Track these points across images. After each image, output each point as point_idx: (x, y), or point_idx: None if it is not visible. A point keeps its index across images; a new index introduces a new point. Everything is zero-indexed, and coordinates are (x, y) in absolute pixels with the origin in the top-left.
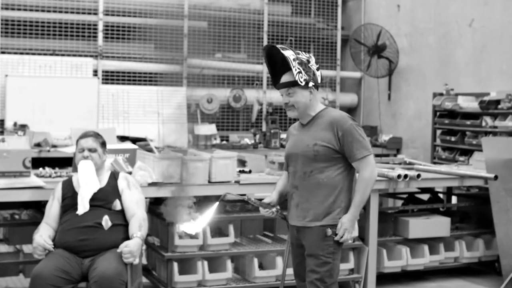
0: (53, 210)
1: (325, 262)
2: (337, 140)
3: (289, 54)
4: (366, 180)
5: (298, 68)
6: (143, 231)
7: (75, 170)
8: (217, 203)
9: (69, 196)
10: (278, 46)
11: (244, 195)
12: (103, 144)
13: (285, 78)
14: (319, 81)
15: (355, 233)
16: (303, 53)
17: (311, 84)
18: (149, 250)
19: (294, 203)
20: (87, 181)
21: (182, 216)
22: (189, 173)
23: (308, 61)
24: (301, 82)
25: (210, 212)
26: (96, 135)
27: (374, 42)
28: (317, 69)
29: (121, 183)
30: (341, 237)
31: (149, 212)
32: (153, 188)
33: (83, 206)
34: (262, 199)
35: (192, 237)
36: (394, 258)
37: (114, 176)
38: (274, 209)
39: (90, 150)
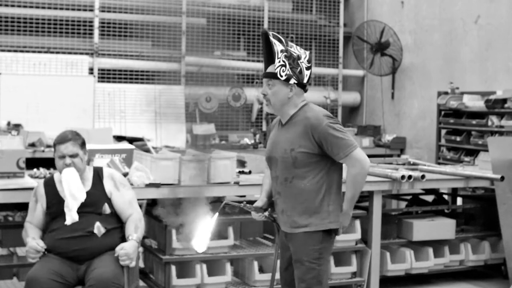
0: (37, 213)
1: (310, 269)
2: (315, 144)
3: (278, 44)
4: (354, 177)
5: (283, 61)
6: (139, 232)
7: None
8: (217, 213)
9: (55, 204)
10: (272, 33)
11: (242, 202)
12: (83, 144)
13: (270, 68)
14: (304, 80)
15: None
16: (298, 48)
17: (292, 81)
18: (147, 253)
19: (279, 209)
20: (73, 191)
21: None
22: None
23: (299, 57)
24: (281, 76)
25: (211, 224)
26: (75, 137)
27: (377, 39)
28: (307, 68)
29: (108, 184)
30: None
31: (146, 214)
32: (150, 189)
33: (71, 217)
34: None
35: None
36: (397, 261)
37: (98, 175)
38: (266, 213)
39: (71, 156)
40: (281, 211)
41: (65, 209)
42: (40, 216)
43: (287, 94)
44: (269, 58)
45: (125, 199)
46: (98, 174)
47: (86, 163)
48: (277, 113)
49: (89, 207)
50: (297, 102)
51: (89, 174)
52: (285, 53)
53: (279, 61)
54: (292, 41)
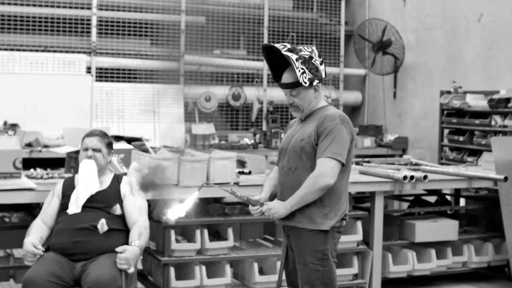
0: (51, 207)
1: (315, 270)
2: (315, 134)
3: (290, 54)
4: (310, 178)
5: (302, 69)
6: (142, 240)
7: (77, 171)
8: (197, 191)
9: (69, 194)
10: (277, 45)
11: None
12: (109, 145)
13: (287, 77)
14: (323, 76)
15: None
16: (305, 48)
17: (315, 82)
18: (145, 255)
19: (279, 199)
20: (87, 182)
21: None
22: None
23: (311, 57)
24: (305, 83)
25: (191, 199)
26: (103, 135)
27: (379, 38)
28: (321, 63)
29: (124, 187)
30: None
31: None
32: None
33: (75, 206)
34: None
35: (189, 240)
36: (399, 262)
37: (117, 179)
38: (264, 207)
39: (94, 149)
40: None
41: (72, 197)
42: (53, 210)
43: (313, 95)
44: (278, 65)
45: (136, 205)
46: (117, 178)
47: (107, 164)
48: (303, 115)
49: (100, 204)
50: (318, 97)
51: (109, 176)
52: (300, 60)
53: (299, 70)
54: (293, 42)
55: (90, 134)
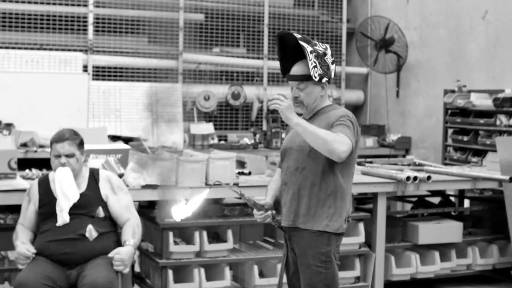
0: (29, 213)
1: (317, 273)
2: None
3: (306, 45)
4: (329, 135)
5: (314, 62)
6: (136, 238)
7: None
8: (207, 190)
9: (47, 203)
10: (295, 33)
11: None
12: (81, 144)
13: (297, 70)
14: (332, 75)
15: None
16: (320, 43)
17: (324, 79)
18: (143, 257)
19: (283, 201)
20: (66, 191)
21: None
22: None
23: (325, 54)
24: (315, 78)
25: (200, 198)
26: (72, 137)
27: (381, 35)
28: (332, 63)
29: (104, 187)
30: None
31: (142, 216)
32: (147, 190)
33: (62, 219)
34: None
35: (188, 242)
36: (402, 265)
37: (94, 177)
38: (269, 213)
39: (67, 155)
40: (284, 204)
41: (57, 209)
42: (32, 216)
43: (319, 92)
44: (289, 56)
45: (122, 204)
46: (94, 175)
47: (82, 165)
48: (308, 113)
49: (82, 209)
50: (324, 96)
51: (85, 174)
52: (314, 54)
53: (311, 63)
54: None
55: (60, 139)
